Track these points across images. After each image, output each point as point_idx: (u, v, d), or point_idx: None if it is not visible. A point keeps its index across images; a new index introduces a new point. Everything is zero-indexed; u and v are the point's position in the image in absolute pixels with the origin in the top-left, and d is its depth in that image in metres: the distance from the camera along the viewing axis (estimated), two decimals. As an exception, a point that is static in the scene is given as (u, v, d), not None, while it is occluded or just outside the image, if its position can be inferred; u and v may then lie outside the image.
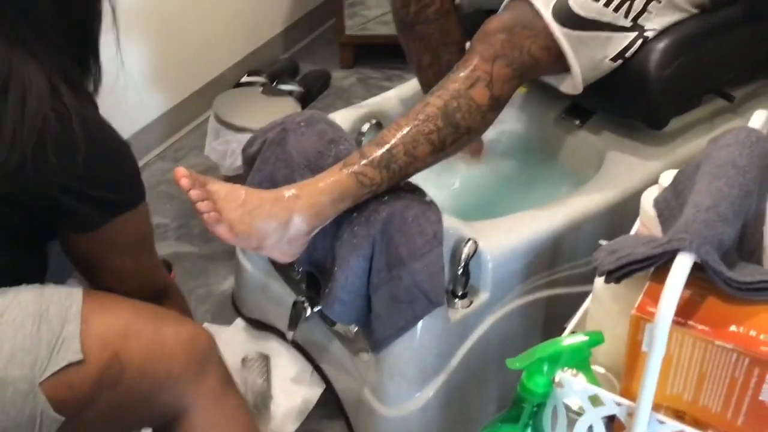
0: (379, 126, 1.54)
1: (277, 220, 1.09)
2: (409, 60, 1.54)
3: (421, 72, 1.52)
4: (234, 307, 1.63)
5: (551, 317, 1.39)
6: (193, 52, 2.24)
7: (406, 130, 1.18)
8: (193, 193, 1.05)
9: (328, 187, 1.14)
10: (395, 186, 1.20)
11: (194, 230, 1.87)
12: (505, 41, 1.22)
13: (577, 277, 1.39)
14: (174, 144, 2.21)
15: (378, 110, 1.62)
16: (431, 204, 1.25)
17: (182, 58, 2.21)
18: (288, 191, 1.13)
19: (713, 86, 1.49)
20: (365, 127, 1.54)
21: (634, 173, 1.40)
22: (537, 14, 1.24)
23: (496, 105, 1.23)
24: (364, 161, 1.15)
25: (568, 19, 1.24)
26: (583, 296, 1.18)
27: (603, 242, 0.79)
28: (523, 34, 1.23)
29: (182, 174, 1.05)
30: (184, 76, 2.23)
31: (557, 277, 1.38)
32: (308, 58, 2.55)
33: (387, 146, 1.16)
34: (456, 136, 1.19)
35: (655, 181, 1.38)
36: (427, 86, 1.48)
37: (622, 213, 1.37)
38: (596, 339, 0.75)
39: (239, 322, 1.57)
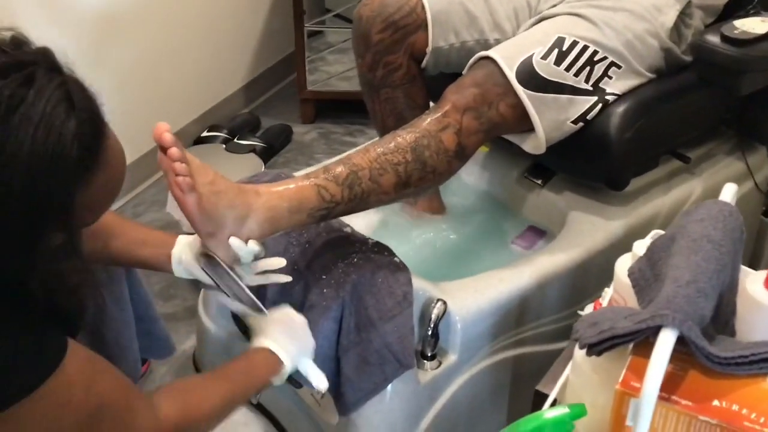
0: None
1: (237, 211, 1.06)
2: (374, 121, 1.55)
3: (385, 134, 1.53)
4: (195, 368, 1.59)
5: (519, 376, 1.40)
6: (152, 106, 2.22)
7: (374, 155, 1.18)
8: (175, 151, 0.99)
9: (287, 192, 1.12)
10: (351, 211, 1.19)
11: (154, 287, 1.84)
12: (477, 95, 1.25)
13: (544, 336, 1.40)
14: (133, 199, 2.18)
15: (343, 169, 1.62)
16: (401, 265, 1.25)
17: (141, 112, 2.19)
18: (250, 187, 1.10)
19: (670, 148, 1.54)
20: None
21: (597, 233, 1.43)
22: (503, 74, 1.27)
23: (461, 154, 1.25)
24: (327, 176, 1.15)
25: (531, 80, 1.28)
26: (549, 355, 1.19)
27: (581, 313, 0.80)
28: (493, 91, 1.26)
29: (165, 128, 0.99)
30: (143, 131, 2.19)
31: (524, 336, 1.39)
32: (269, 113, 2.55)
33: (353, 167, 1.17)
34: (422, 174, 1.20)
35: (617, 241, 1.42)
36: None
37: (586, 271, 1.40)
38: (578, 411, 0.75)
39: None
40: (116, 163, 0.87)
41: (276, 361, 1.09)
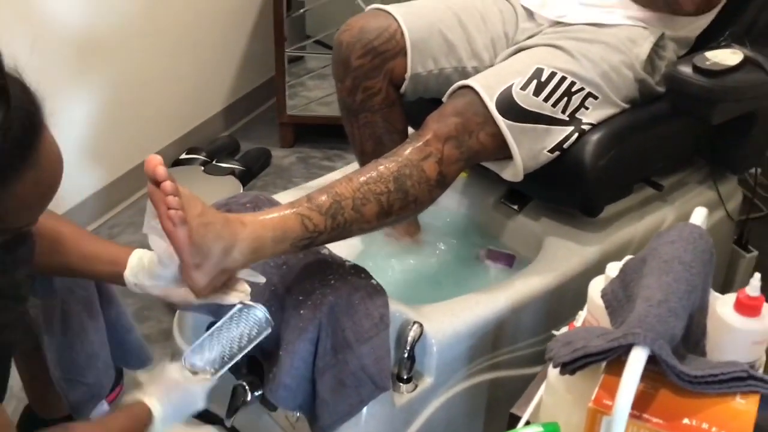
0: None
1: (223, 242, 1.07)
2: (353, 145, 1.57)
3: (363, 158, 1.55)
4: (169, 391, 1.57)
5: (494, 400, 1.40)
6: (131, 128, 2.23)
7: (357, 185, 1.19)
8: (169, 185, 1.00)
9: (272, 222, 1.12)
10: (333, 240, 1.20)
11: (128, 309, 1.82)
12: (458, 124, 1.27)
13: (519, 360, 1.41)
14: (109, 221, 2.17)
15: (322, 192, 1.63)
16: (378, 287, 1.26)
17: (120, 133, 2.19)
18: (236, 217, 1.11)
19: (643, 176, 1.57)
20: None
21: (572, 258, 1.45)
22: (483, 104, 1.29)
23: (442, 182, 1.26)
24: (311, 206, 1.16)
25: (511, 110, 1.30)
26: (524, 379, 1.20)
27: (556, 333, 0.81)
28: (473, 120, 1.28)
29: (158, 161, 0.99)
30: (121, 152, 2.20)
31: (499, 360, 1.39)
32: (248, 137, 2.56)
33: (336, 196, 1.17)
34: (403, 204, 1.22)
35: (591, 266, 1.44)
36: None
37: (561, 296, 1.41)
38: (552, 430, 0.76)
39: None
40: (48, 167, 0.85)
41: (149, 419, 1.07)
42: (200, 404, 1.13)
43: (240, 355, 1.13)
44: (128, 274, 1.15)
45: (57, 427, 1.03)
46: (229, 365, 1.14)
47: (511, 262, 1.56)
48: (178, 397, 1.11)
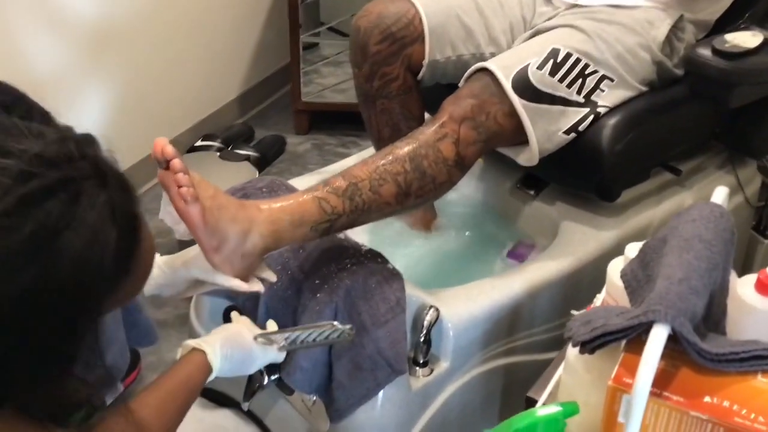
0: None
1: (239, 226, 1.07)
2: (369, 131, 1.56)
3: (380, 144, 1.55)
4: (186, 375, 1.58)
5: (510, 385, 1.40)
6: (146, 115, 2.23)
7: (373, 167, 1.19)
8: (178, 162, 0.99)
9: (289, 206, 1.13)
10: (354, 224, 1.20)
11: (144, 294, 1.83)
12: (474, 105, 1.27)
13: (535, 345, 1.41)
14: (125, 207, 2.18)
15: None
16: (394, 271, 1.26)
17: (135, 120, 2.20)
18: (251, 203, 1.11)
19: (661, 160, 1.56)
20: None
21: (589, 243, 1.44)
22: (499, 84, 1.28)
23: (461, 163, 1.26)
24: (327, 188, 1.16)
25: (527, 90, 1.30)
26: (540, 364, 1.20)
27: (575, 312, 0.80)
28: (490, 101, 1.28)
29: (165, 141, 0.98)
30: (136, 139, 2.20)
31: (515, 345, 1.39)
32: (263, 124, 2.57)
33: (353, 178, 1.17)
34: (421, 183, 1.21)
35: (608, 251, 1.43)
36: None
37: (578, 281, 1.40)
38: (571, 409, 0.76)
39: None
40: (146, 266, 0.84)
41: (208, 371, 1.07)
42: (252, 370, 1.14)
43: (310, 347, 1.14)
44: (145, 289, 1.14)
45: (116, 411, 1.02)
46: (296, 348, 1.16)
47: (521, 257, 1.55)
48: (240, 355, 1.10)
